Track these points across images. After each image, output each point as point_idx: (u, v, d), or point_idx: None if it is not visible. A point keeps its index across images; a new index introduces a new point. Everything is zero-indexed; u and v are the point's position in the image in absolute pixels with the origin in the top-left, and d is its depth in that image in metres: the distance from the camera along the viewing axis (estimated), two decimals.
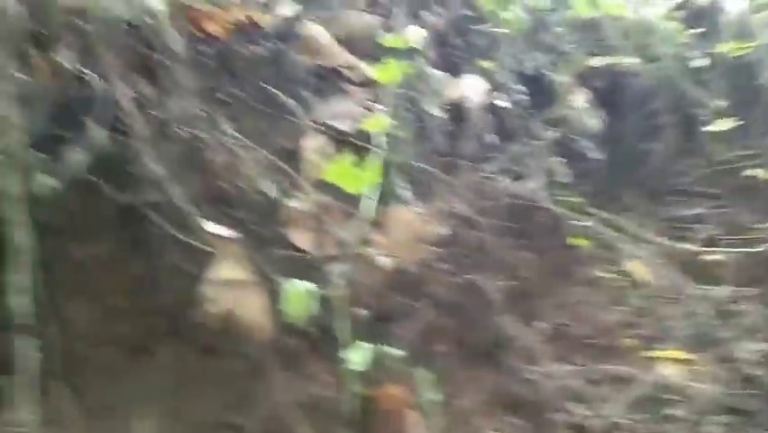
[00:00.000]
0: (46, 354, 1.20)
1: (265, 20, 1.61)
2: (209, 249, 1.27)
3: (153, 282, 1.33)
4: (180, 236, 1.30)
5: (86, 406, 1.25)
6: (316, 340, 1.34)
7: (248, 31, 1.58)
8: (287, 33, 1.62)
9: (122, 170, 1.34)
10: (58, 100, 1.38)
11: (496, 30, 1.81)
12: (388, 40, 1.64)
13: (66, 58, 1.38)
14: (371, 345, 1.28)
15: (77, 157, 1.33)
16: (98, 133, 1.34)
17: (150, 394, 1.30)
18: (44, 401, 1.19)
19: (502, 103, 1.73)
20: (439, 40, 1.78)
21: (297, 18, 1.65)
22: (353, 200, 1.41)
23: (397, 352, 1.34)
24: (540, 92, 1.82)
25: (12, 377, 1.25)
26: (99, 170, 1.32)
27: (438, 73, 1.71)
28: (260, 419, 1.29)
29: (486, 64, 1.76)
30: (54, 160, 1.32)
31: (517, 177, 1.70)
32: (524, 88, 1.79)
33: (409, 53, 1.63)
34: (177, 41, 1.43)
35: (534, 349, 1.55)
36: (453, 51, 1.80)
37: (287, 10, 1.65)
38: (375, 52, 1.64)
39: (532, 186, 1.66)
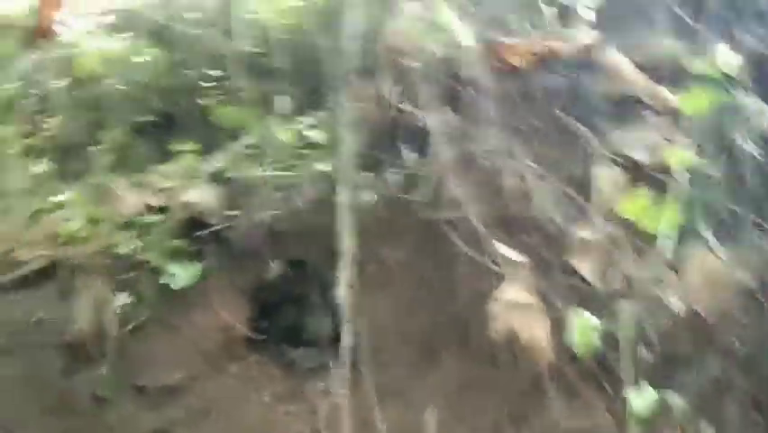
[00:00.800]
0: (355, 339, 1.44)
1: (565, 49, 1.65)
2: (498, 269, 1.37)
3: (445, 291, 1.48)
4: (471, 254, 1.42)
5: (380, 389, 1.44)
6: (595, 372, 1.34)
7: (548, 61, 1.64)
8: (585, 62, 1.63)
9: (426, 189, 1.51)
10: (378, 126, 1.62)
11: None
12: (696, 65, 1.53)
13: (387, 90, 1.61)
14: (655, 390, 1.24)
15: (392, 176, 1.55)
16: (410, 157, 1.55)
17: (435, 391, 1.44)
18: (350, 378, 1.42)
19: None
20: (759, 63, 1.61)
21: (596, 46, 1.65)
22: (646, 237, 1.36)
23: (680, 401, 1.27)
24: None
25: (320, 351, 1.52)
26: (408, 187, 1.52)
27: (755, 102, 1.54)
28: None
29: None
30: (374, 177, 1.56)
31: None
32: None
33: (720, 80, 1.51)
34: (482, 74, 1.56)
35: None
36: None
37: (587, 38, 1.66)
38: (681, 79, 1.56)
39: None
